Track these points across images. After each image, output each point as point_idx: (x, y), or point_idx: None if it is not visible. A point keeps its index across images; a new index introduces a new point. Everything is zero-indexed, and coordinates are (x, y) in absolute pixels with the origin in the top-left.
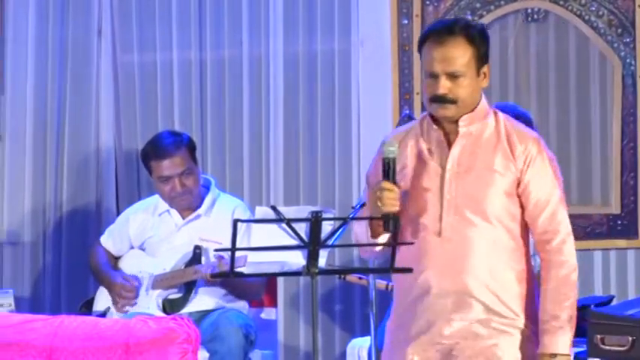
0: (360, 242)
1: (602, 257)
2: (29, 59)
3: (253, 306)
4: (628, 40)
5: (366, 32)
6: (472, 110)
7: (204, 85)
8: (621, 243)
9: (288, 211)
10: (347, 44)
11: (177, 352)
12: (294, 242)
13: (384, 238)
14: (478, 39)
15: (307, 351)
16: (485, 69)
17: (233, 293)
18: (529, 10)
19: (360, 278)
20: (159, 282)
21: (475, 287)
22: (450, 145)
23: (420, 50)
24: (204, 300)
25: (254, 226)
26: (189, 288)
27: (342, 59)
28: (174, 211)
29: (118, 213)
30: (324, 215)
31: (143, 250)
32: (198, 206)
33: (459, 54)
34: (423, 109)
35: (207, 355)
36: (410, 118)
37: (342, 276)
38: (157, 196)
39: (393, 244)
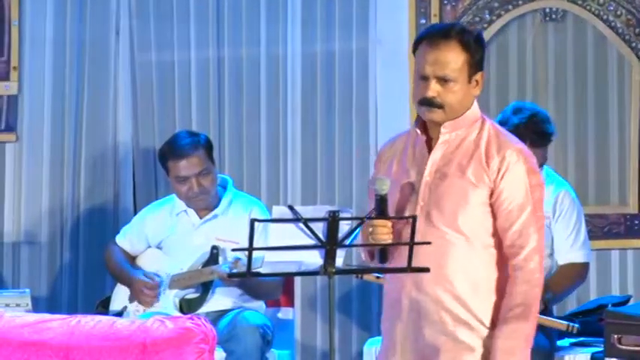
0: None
1: (619, 257)
2: (47, 58)
3: (270, 306)
4: None
5: (384, 31)
6: (458, 117)
7: (222, 84)
8: (639, 243)
9: (306, 211)
10: (365, 43)
11: (194, 352)
12: (311, 242)
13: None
14: (473, 45)
15: (324, 350)
16: (478, 76)
17: (250, 294)
18: (547, 10)
19: (377, 277)
20: (176, 282)
21: (445, 297)
22: (431, 151)
23: (414, 52)
24: (221, 300)
25: (271, 225)
26: (206, 288)
27: (360, 58)
28: (191, 211)
29: (135, 212)
30: (342, 215)
31: (160, 249)
32: (216, 206)
33: (452, 59)
34: None
35: (224, 354)
36: None
37: (360, 275)
38: (174, 196)
39: (411, 243)
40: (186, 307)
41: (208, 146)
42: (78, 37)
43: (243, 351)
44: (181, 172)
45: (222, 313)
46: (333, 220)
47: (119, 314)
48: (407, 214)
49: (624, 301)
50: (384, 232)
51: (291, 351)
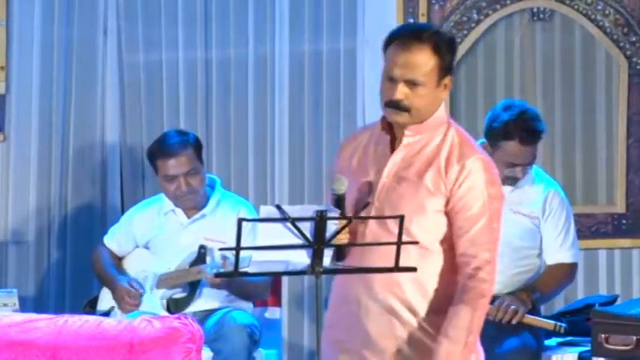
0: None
1: (606, 256)
2: (35, 58)
3: (257, 305)
4: (634, 39)
5: (372, 31)
6: (424, 120)
7: (210, 85)
8: (626, 242)
9: (293, 210)
10: (352, 43)
11: (181, 352)
12: (298, 241)
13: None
14: (445, 49)
15: (311, 350)
16: (447, 80)
17: (239, 296)
18: (535, 9)
19: None
20: (163, 281)
21: (395, 303)
22: (393, 151)
23: (384, 49)
24: (208, 299)
25: (259, 225)
26: (193, 287)
27: (348, 58)
28: (179, 211)
29: (123, 212)
30: (329, 214)
31: (148, 249)
32: (204, 206)
33: (422, 62)
34: None
35: (211, 354)
36: None
37: None
38: (161, 195)
39: (398, 243)
40: (174, 306)
41: (197, 146)
42: (66, 37)
43: (230, 350)
44: (170, 171)
45: (209, 313)
46: (320, 220)
47: (106, 314)
48: (362, 214)
49: (611, 301)
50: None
51: (279, 350)
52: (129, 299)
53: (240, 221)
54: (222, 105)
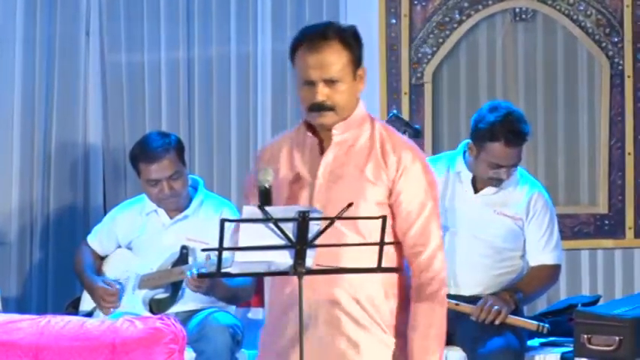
0: None
1: (589, 257)
2: (17, 58)
3: (240, 306)
4: (616, 39)
5: None
6: (348, 117)
7: (192, 84)
8: (608, 243)
9: (276, 211)
10: None
11: (164, 352)
12: (281, 242)
13: None
14: (352, 42)
15: None
16: (360, 72)
17: (223, 300)
18: (517, 10)
19: None
20: (145, 282)
21: (345, 300)
22: (322, 153)
23: (292, 57)
24: (191, 300)
25: (241, 225)
26: (176, 288)
27: None
28: (161, 211)
29: (105, 212)
30: (311, 215)
31: (130, 249)
32: (187, 207)
33: (335, 59)
34: (412, 108)
35: (193, 354)
36: (397, 117)
37: None
38: (144, 195)
39: (381, 243)
40: (156, 307)
41: (179, 148)
42: (48, 37)
43: (213, 351)
44: (152, 176)
45: (191, 313)
46: (302, 221)
47: (89, 314)
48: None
49: (594, 301)
50: None
51: None
52: (108, 297)
53: (222, 222)
54: (205, 104)
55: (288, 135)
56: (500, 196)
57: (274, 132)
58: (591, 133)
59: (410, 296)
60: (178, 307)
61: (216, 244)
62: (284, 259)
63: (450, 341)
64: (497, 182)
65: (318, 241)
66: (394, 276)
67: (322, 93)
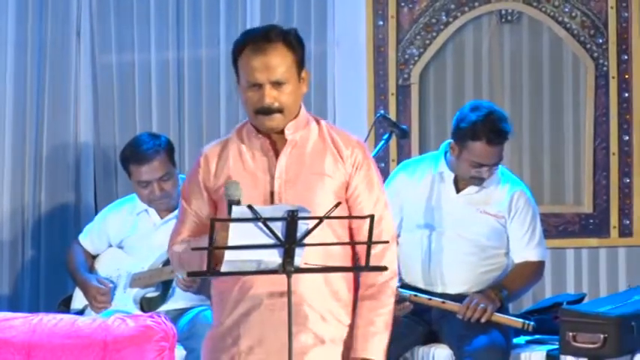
0: (192, 267)
1: (574, 256)
2: (8, 60)
3: None
4: (601, 41)
5: (342, 33)
6: (295, 117)
7: (182, 85)
8: (593, 242)
9: (265, 210)
10: (323, 45)
11: (155, 350)
12: (270, 241)
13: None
14: (296, 44)
15: None
16: (303, 74)
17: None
18: (503, 12)
19: None
20: (137, 280)
21: (310, 297)
22: (277, 153)
23: (235, 61)
24: (181, 298)
25: (231, 225)
26: (166, 286)
27: (318, 60)
28: (152, 211)
29: (96, 211)
30: (300, 214)
31: (121, 248)
32: (177, 206)
33: (280, 61)
34: (399, 109)
35: (184, 352)
36: (385, 118)
37: None
38: (135, 195)
39: (368, 243)
40: (147, 305)
41: (169, 149)
42: (39, 38)
43: None
44: (143, 177)
45: (182, 312)
46: (291, 220)
47: (81, 312)
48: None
49: (579, 300)
50: None
51: None
52: (100, 297)
53: (212, 221)
54: (194, 105)
55: (230, 138)
56: (482, 195)
57: None
58: (576, 133)
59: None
60: (169, 306)
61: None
62: (273, 257)
63: (436, 339)
64: (479, 181)
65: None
66: (346, 263)
67: (270, 95)
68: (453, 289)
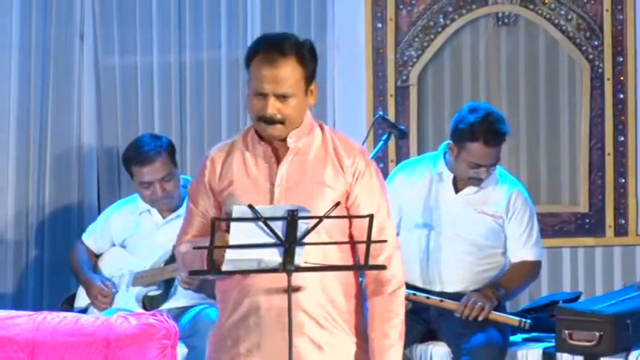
0: (194, 266)
1: (570, 255)
2: (12, 63)
3: None
4: (596, 43)
5: (342, 35)
6: (298, 126)
7: (184, 87)
8: (589, 241)
9: (265, 210)
10: (323, 47)
11: (157, 348)
12: (270, 240)
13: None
14: (308, 58)
15: None
16: (312, 87)
17: (213, 297)
18: (500, 14)
19: None
20: (139, 279)
21: (306, 302)
22: (278, 160)
23: (247, 64)
24: (183, 297)
25: (232, 224)
26: (168, 285)
27: (318, 61)
28: (154, 211)
29: (100, 212)
30: (300, 214)
31: (124, 247)
32: (179, 206)
33: (289, 75)
34: (397, 110)
35: (186, 350)
36: (383, 119)
37: None
38: (137, 195)
39: (368, 242)
40: (149, 303)
41: (171, 150)
42: (43, 40)
43: (204, 346)
44: (145, 178)
45: (184, 310)
46: (291, 219)
47: (84, 311)
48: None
49: (575, 298)
50: None
51: None
52: (102, 298)
53: (213, 221)
54: (196, 107)
55: (236, 141)
56: (480, 196)
57: None
58: (572, 134)
59: (366, 296)
60: (171, 304)
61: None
62: (273, 256)
63: (434, 337)
64: (477, 182)
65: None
66: (351, 276)
67: (273, 107)
68: (450, 288)
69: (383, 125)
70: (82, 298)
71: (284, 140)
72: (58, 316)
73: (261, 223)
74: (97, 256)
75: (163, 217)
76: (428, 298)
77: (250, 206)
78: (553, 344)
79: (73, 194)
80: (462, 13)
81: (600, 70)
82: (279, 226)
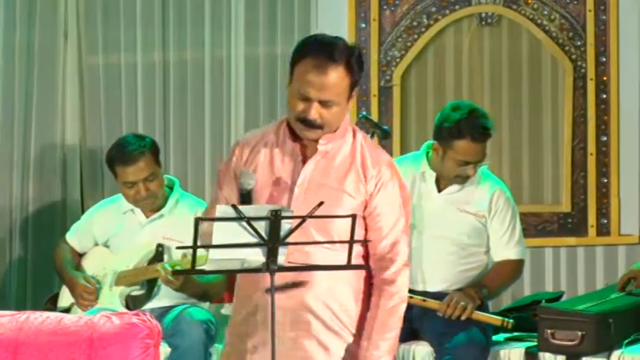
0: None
1: (552, 254)
2: None
3: (214, 302)
4: (579, 43)
5: None
6: (335, 130)
7: (167, 87)
8: (571, 241)
9: (248, 210)
10: None
11: (140, 347)
12: (253, 240)
13: None
14: (356, 67)
15: None
16: (354, 92)
17: (194, 297)
18: (483, 15)
19: None
20: (122, 278)
21: (314, 303)
22: (304, 159)
23: (293, 62)
24: (166, 296)
25: (215, 224)
26: (151, 285)
27: None
28: (138, 210)
29: (83, 211)
30: (283, 214)
31: (107, 247)
32: (162, 206)
33: (336, 82)
34: (381, 110)
35: (168, 349)
36: (367, 119)
37: None
38: (120, 195)
39: (350, 242)
40: (132, 303)
41: (155, 150)
42: (27, 40)
43: (187, 346)
44: (129, 178)
45: (167, 309)
46: (274, 219)
47: (67, 310)
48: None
49: (557, 297)
50: None
51: None
52: (86, 295)
53: (197, 221)
54: (180, 106)
55: (268, 132)
56: (462, 194)
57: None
58: (555, 134)
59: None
60: (154, 304)
61: (190, 243)
62: (257, 256)
63: (417, 336)
64: (464, 179)
65: (290, 242)
66: (362, 281)
67: (316, 112)
68: (433, 287)
69: (366, 125)
70: (65, 298)
71: (315, 140)
72: (41, 316)
73: (244, 223)
74: (81, 256)
75: (147, 217)
76: (411, 297)
77: (233, 206)
78: (535, 344)
79: (57, 193)
80: (445, 13)
81: (583, 71)
82: (262, 226)
